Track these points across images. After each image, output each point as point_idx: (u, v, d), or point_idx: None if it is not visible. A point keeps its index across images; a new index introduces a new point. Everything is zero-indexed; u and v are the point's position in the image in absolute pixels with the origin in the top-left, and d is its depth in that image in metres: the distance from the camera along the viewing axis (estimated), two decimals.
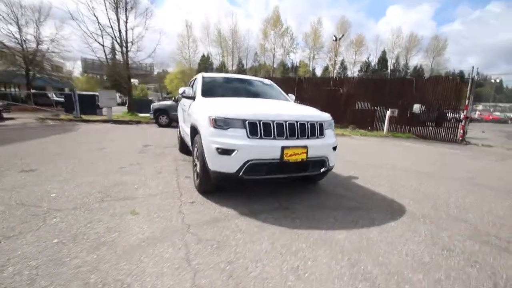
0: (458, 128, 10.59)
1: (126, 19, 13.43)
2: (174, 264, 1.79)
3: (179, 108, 5.60)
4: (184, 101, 4.71)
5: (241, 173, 2.65)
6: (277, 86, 4.68)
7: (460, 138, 10.41)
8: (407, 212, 2.88)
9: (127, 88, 14.98)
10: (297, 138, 2.79)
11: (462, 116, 10.52)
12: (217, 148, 2.65)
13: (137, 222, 2.38)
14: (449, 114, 11.04)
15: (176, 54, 46.38)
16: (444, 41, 52.87)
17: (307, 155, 2.77)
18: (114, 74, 15.66)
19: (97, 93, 13.89)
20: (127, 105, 17.45)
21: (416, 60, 55.06)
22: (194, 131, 3.40)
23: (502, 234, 2.47)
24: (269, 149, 2.65)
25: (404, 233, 2.39)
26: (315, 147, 2.84)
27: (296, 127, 2.79)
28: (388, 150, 7.37)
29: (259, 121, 2.69)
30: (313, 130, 2.90)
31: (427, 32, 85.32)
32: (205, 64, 47.24)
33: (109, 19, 12.97)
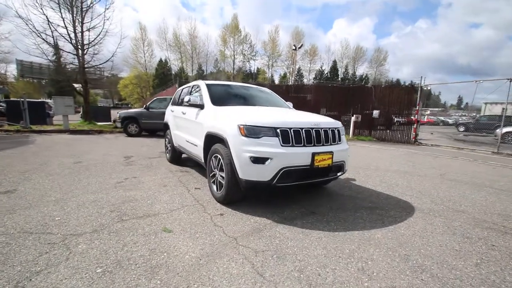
0: (411, 130, 12.01)
1: (82, 20, 12.27)
2: (249, 279, 1.74)
3: (169, 117, 5.33)
4: (181, 109, 4.52)
5: (274, 181, 2.68)
6: (276, 95, 4.79)
7: (413, 140, 11.83)
8: (415, 208, 3.21)
9: (83, 94, 13.58)
10: (323, 144, 2.93)
11: (413, 119, 11.98)
12: (251, 157, 2.64)
13: (178, 239, 2.23)
14: (400, 119, 12.46)
15: (130, 58, 43.61)
16: (385, 53, 59.43)
17: (332, 160, 2.93)
18: (66, 78, 14.10)
19: (47, 100, 12.32)
20: (81, 113, 15.85)
21: (362, 70, 60.69)
22: (210, 140, 3.31)
23: (496, 220, 2.92)
24: (301, 156, 2.73)
25: (425, 227, 2.67)
26: (337, 152, 3.01)
27: (321, 133, 2.92)
28: (363, 153, 8.01)
29: (290, 129, 2.76)
30: (333, 136, 3.07)
31: (368, 43, 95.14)
32: (162, 69, 45.36)
33: (62, 19, 11.68)
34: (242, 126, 2.74)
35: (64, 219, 2.56)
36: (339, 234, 2.43)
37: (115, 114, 12.76)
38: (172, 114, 5.11)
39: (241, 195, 2.99)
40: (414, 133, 11.94)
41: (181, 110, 4.52)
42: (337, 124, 3.25)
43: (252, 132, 2.70)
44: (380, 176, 4.86)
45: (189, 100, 3.77)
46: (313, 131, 2.87)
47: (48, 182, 3.76)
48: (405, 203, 3.38)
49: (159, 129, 10.89)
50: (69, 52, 12.60)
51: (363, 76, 62.01)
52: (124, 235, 2.28)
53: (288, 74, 58.17)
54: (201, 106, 3.74)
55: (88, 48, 12.92)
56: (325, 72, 60.61)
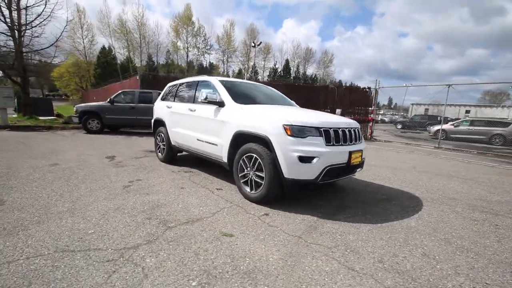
0: (367, 128, 13.39)
1: None
2: (345, 274, 1.82)
3: (163, 113, 4.95)
4: (187, 106, 4.26)
5: (319, 179, 2.79)
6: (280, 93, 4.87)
7: (370, 136, 13.21)
8: (420, 198, 3.69)
9: (20, 84, 11.46)
10: (354, 143, 3.15)
11: (369, 118, 13.38)
12: (299, 157, 2.69)
13: (246, 243, 2.18)
14: (359, 117, 13.80)
15: (66, 43, 38.09)
16: (331, 55, 64.12)
17: (361, 157, 3.17)
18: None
19: None
20: (18, 106, 13.40)
21: (311, 70, 64.44)
22: (240, 139, 3.24)
23: (483, 204, 3.56)
24: (341, 154, 2.90)
25: (440, 214, 3.11)
26: (364, 150, 3.27)
27: (352, 133, 3.13)
28: None
29: (330, 129, 2.89)
30: (359, 135, 3.32)
31: (314, 45, 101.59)
32: (106, 57, 40.76)
33: None
34: (287, 126, 2.76)
35: (100, 231, 2.24)
36: (383, 225, 2.68)
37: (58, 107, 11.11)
38: (169, 111, 4.76)
39: (279, 194, 3.02)
40: (370, 131, 13.36)
41: (187, 107, 4.25)
42: (358, 124, 3.51)
43: (297, 132, 2.75)
44: (368, 170, 5.36)
45: (206, 97, 3.59)
46: (347, 130, 3.06)
47: (37, 189, 3.19)
48: (408, 194, 3.84)
49: (123, 125, 9.98)
50: (1, 33, 10.45)
51: (313, 76, 65.91)
52: (187, 243, 2.12)
53: (243, 71, 58.42)
54: (220, 104, 3.59)
55: (25, 30, 10.96)
56: (279, 70, 62.63)
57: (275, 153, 2.80)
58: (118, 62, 42.08)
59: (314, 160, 2.71)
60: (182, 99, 4.63)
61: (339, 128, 2.97)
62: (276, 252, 2.07)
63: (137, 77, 13.20)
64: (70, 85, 39.96)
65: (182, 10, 48.47)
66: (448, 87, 11.08)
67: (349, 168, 3.03)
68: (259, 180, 3.02)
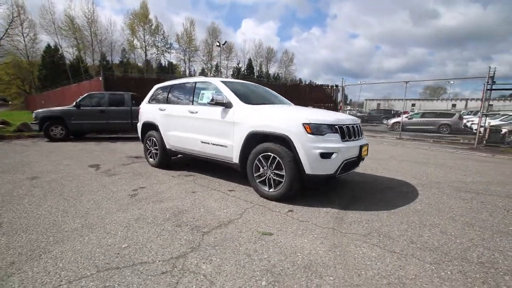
0: None
1: None
2: (391, 257, 1.99)
3: (155, 116, 4.71)
4: (186, 108, 4.13)
5: (337, 173, 2.96)
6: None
7: None
8: (411, 184, 4.09)
9: None
10: (359, 138, 3.38)
11: None
12: (321, 153, 2.82)
13: (288, 239, 2.23)
14: None
15: (3, 40, 33.41)
16: (292, 54, 66.19)
17: (367, 150, 3.43)
18: None
19: None
20: None
21: (274, 69, 65.80)
22: (254, 140, 3.26)
23: (463, 186, 4.08)
24: (354, 148, 3.10)
25: (436, 196, 3.50)
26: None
27: (356, 128, 3.36)
28: None
29: (343, 125, 3.08)
30: (361, 130, 3.57)
31: (274, 45, 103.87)
32: (52, 57, 36.73)
33: None
34: (307, 125, 2.87)
35: (135, 244, 2.11)
36: (396, 211, 2.94)
37: None
38: (162, 113, 4.55)
39: (298, 191, 3.12)
40: None
41: (186, 109, 4.12)
42: (359, 120, 3.76)
43: (317, 130, 2.88)
44: (364, 163, 5.75)
45: (212, 99, 3.53)
46: (353, 126, 3.28)
47: (32, 207, 2.84)
48: (401, 181, 4.24)
49: (92, 131, 9.22)
50: None
51: (275, 75, 67.36)
52: (233, 246, 2.10)
53: (206, 70, 57.35)
54: (226, 105, 3.56)
55: None
56: (242, 69, 62.79)
57: (296, 151, 2.89)
58: (67, 62, 38.22)
59: (333, 156, 2.87)
60: (178, 101, 4.46)
61: (348, 125, 3.17)
62: (321, 245, 2.16)
63: (100, 78, 12.20)
64: (10, 89, 35.16)
65: (138, 7, 45.75)
66: (406, 83, 12.29)
67: (358, 161, 3.26)
68: (278, 179, 3.08)
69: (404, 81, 12.24)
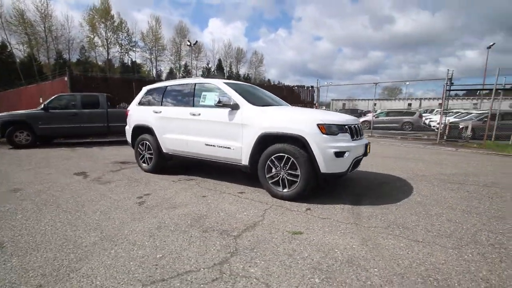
0: None
1: None
2: (417, 246, 2.17)
3: (149, 119, 4.49)
4: (188, 110, 4.01)
5: (349, 170, 3.12)
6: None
7: None
8: (402, 178, 4.43)
9: None
10: (362, 137, 3.59)
11: None
12: (335, 152, 2.95)
13: (320, 237, 2.31)
14: None
15: None
16: (261, 55, 66.90)
17: (369, 148, 3.65)
18: None
19: None
20: None
21: (244, 70, 65.97)
22: (266, 141, 3.29)
23: (447, 178, 4.52)
24: (361, 147, 3.29)
25: (428, 188, 3.84)
26: None
27: (359, 128, 3.56)
28: None
29: (351, 125, 3.24)
30: (361, 130, 3.79)
31: (242, 45, 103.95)
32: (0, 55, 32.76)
33: None
34: (322, 125, 2.98)
35: (169, 254, 2.02)
36: (401, 203, 3.18)
37: None
38: (158, 116, 4.37)
39: (313, 189, 3.22)
40: None
41: (187, 112, 4.00)
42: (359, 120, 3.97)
43: (330, 130, 3.00)
44: None
45: (219, 101, 3.49)
46: (357, 126, 3.47)
47: (30, 222, 2.57)
48: (393, 176, 4.56)
49: (63, 136, 8.50)
50: None
51: (245, 76, 67.57)
52: (270, 248, 2.12)
53: (174, 70, 55.60)
54: (233, 107, 3.54)
55: None
56: (212, 70, 61.99)
57: (312, 150, 2.98)
58: (17, 60, 34.38)
59: (346, 154, 3.01)
60: (176, 103, 4.31)
61: (354, 125, 3.35)
62: (352, 240, 2.27)
63: (65, 78, 11.23)
64: None
65: (99, 3, 42.77)
66: (376, 84, 13.18)
67: (362, 158, 3.45)
68: (292, 178, 3.14)
69: (374, 83, 13.11)
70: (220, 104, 3.49)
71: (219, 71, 62.59)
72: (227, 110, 3.58)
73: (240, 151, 3.49)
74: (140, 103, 4.85)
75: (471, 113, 16.06)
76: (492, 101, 9.45)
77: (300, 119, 3.14)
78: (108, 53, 44.95)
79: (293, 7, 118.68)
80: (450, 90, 11.37)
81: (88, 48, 43.76)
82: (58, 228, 2.45)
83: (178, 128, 4.14)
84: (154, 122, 4.42)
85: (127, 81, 13.47)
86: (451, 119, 14.17)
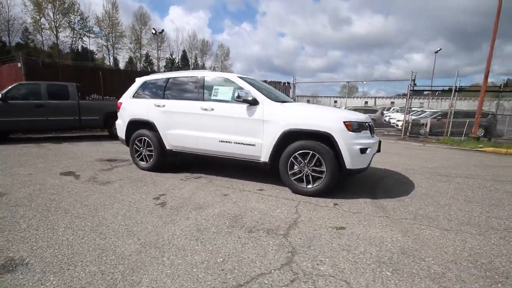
0: None
1: None
2: (451, 233, 2.39)
3: (151, 114, 4.16)
4: (199, 104, 3.79)
5: (369, 166, 3.28)
6: None
7: None
8: (398, 171, 4.80)
9: None
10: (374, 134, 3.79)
11: None
12: (360, 149, 3.08)
13: (362, 231, 2.40)
14: None
15: None
16: (227, 49, 65.88)
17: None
18: None
19: None
20: None
21: (210, 62, 64.37)
22: (289, 138, 3.28)
23: (433, 171, 5.00)
24: (377, 143, 3.47)
25: (425, 181, 4.21)
26: None
27: (372, 126, 3.74)
28: None
29: (369, 123, 3.40)
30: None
31: (206, 36, 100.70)
32: None
33: None
34: (348, 123, 3.07)
35: (227, 257, 1.93)
36: (411, 196, 3.44)
37: None
38: (161, 110, 4.06)
39: (336, 184, 3.31)
40: None
41: (197, 106, 3.78)
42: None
43: (355, 127, 3.11)
44: None
45: (239, 96, 3.39)
46: (371, 124, 3.65)
47: (45, 232, 2.24)
48: (389, 170, 4.90)
49: (26, 130, 7.48)
50: None
51: (212, 68, 66.01)
52: (325, 244, 2.14)
53: (135, 60, 51.95)
54: (252, 102, 3.45)
55: None
56: (176, 61, 59.32)
57: (338, 147, 3.06)
58: None
59: (368, 151, 3.16)
60: (181, 97, 4.05)
61: (369, 122, 3.52)
62: (392, 232, 2.40)
63: (19, 64, 9.79)
64: None
65: None
66: (348, 83, 13.94)
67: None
68: (317, 175, 3.20)
69: (346, 81, 13.86)
70: (240, 99, 3.38)
71: (183, 62, 60.16)
72: (245, 105, 3.49)
73: (260, 147, 3.43)
74: (136, 96, 4.46)
75: (426, 111, 17.91)
76: (451, 100, 10.63)
77: (327, 116, 3.19)
78: (57, 37, 40.13)
79: (258, 1, 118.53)
80: (413, 90, 12.54)
81: (33, 30, 38.53)
82: (83, 236, 2.17)
83: (186, 123, 3.90)
84: (156, 116, 4.11)
85: (94, 70, 12.26)
86: (412, 117, 15.65)
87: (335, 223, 2.54)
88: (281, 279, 1.69)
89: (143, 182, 3.69)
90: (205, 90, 3.87)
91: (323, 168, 3.15)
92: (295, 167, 3.29)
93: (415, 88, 12.39)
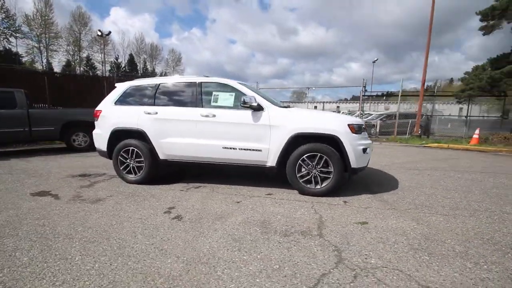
0: None
1: None
2: (462, 219, 2.75)
3: (142, 121, 3.84)
4: (198, 111, 3.65)
5: (368, 164, 3.58)
6: None
7: None
8: (381, 170, 5.29)
9: None
10: None
11: None
12: (363, 149, 3.35)
13: (384, 224, 2.61)
14: None
15: None
16: (179, 54, 63.95)
17: None
18: None
19: None
20: None
21: (161, 68, 61.55)
22: (297, 141, 3.39)
23: (413, 166, 5.64)
24: (372, 143, 3.81)
25: (410, 177, 4.74)
26: None
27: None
28: None
29: (364, 125, 3.72)
30: None
31: (151, 40, 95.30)
32: None
33: None
34: (351, 125, 3.32)
35: (282, 263, 1.92)
36: (401, 188, 3.85)
37: None
38: (153, 117, 3.79)
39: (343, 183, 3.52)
40: None
41: (197, 113, 3.63)
42: None
43: (357, 129, 3.38)
44: None
45: (244, 102, 3.39)
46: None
47: (64, 264, 1.91)
48: (373, 169, 5.32)
49: None
50: None
51: (163, 74, 63.10)
52: (361, 239, 2.28)
53: (73, 63, 46.68)
54: (256, 108, 3.47)
55: None
56: (123, 65, 55.18)
57: (344, 148, 3.27)
58: None
59: (367, 150, 3.45)
60: (175, 103, 3.83)
61: (364, 125, 3.85)
62: (406, 221, 2.67)
63: None
64: None
65: None
66: (308, 89, 14.81)
67: None
68: (325, 175, 3.36)
69: (307, 87, 14.70)
70: (246, 105, 3.37)
71: (131, 67, 56.33)
72: (250, 111, 3.49)
73: (267, 152, 3.46)
74: (119, 103, 4.07)
75: (372, 114, 19.99)
76: (398, 104, 12.11)
77: (333, 120, 3.39)
78: None
79: (207, 8, 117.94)
80: (364, 95, 13.95)
81: None
82: (111, 263, 1.91)
83: (183, 131, 3.71)
84: (147, 124, 3.81)
85: (32, 75, 10.68)
86: (365, 119, 17.30)
87: (356, 219, 2.70)
88: (344, 277, 1.75)
89: (141, 197, 3.38)
90: (203, 96, 3.75)
91: (331, 169, 3.33)
92: (303, 169, 3.40)
93: (366, 94, 13.79)
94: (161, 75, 61.26)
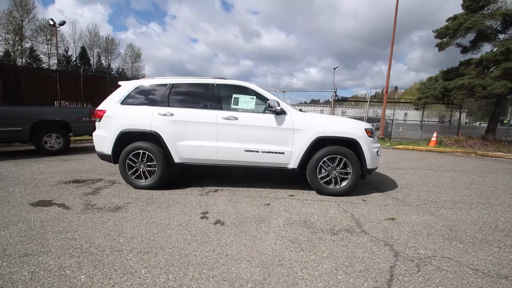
0: None
1: None
2: (475, 209, 3.18)
3: (156, 123, 3.64)
4: (219, 114, 3.60)
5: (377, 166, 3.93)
6: None
7: None
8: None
9: None
10: None
11: None
12: (377, 151, 3.67)
13: (412, 219, 2.92)
14: None
15: None
16: (139, 50, 60.37)
17: None
18: None
19: None
20: None
21: (118, 63, 57.42)
22: (319, 144, 3.57)
23: (399, 166, 6.22)
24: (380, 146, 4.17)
25: (404, 175, 5.25)
26: None
27: None
28: None
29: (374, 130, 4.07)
30: None
31: (104, 33, 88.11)
32: None
33: None
34: (368, 130, 3.61)
35: (349, 261, 2.06)
36: (400, 186, 4.28)
37: None
38: (169, 119, 3.63)
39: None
40: None
41: (220, 115, 3.58)
42: None
43: (372, 133, 3.68)
44: None
45: (270, 106, 3.47)
46: None
47: (127, 278, 1.79)
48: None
49: None
50: None
51: (120, 70, 58.90)
52: (401, 233, 2.53)
53: (13, 54, 40.89)
54: (280, 112, 3.56)
55: None
56: (73, 59, 50.10)
57: (362, 150, 3.54)
58: None
59: (379, 152, 3.79)
60: (192, 105, 3.71)
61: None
62: (424, 215, 3.01)
63: None
64: None
65: None
66: (283, 92, 15.26)
67: None
68: (343, 176, 3.60)
69: (282, 90, 15.14)
70: (272, 109, 3.46)
71: (82, 61, 51.43)
72: (272, 115, 3.57)
73: (289, 155, 3.57)
74: (126, 102, 3.80)
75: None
76: (366, 108, 13.18)
77: (352, 125, 3.64)
78: None
79: (167, 3, 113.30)
80: (335, 100, 14.88)
81: None
82: (185, 272, 1.83)
83: (203, 133, 3.62)
84: (163, 126, 3.63)
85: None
86: None
87: (384, 216, 2.96)
88: (409, 267, 1.95)
89: (164, 203, 3.22)
90: (222, 99, 3.71)
91: (349, 170, 3.57)
92: (323, 170, 3.59)
93: (336, 98, 14.73)
94: (118, 71, 57.13)
